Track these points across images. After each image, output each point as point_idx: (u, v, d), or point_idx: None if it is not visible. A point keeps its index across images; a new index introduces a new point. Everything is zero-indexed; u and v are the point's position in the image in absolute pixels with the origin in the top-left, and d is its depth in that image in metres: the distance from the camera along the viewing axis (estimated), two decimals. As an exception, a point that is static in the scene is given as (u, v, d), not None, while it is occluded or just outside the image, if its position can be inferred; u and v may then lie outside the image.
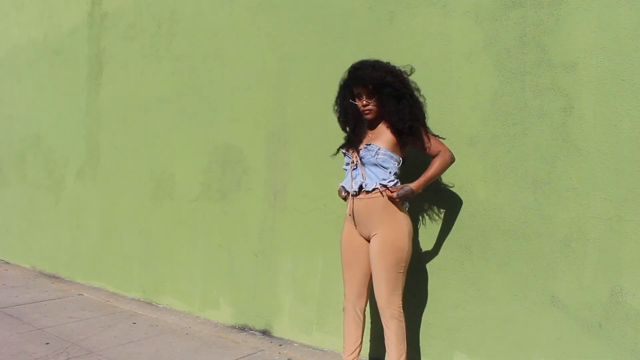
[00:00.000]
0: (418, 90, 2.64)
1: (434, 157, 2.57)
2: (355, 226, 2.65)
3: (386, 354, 2.61)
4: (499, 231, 2.71)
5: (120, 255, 4.82)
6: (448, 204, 2.88)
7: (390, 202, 2.54)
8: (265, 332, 3.71)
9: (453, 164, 2.60)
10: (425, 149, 2.57)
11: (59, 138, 5.53)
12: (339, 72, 3.29)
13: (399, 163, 2.62)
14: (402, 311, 2.58)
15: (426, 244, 2.96)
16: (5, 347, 3.29)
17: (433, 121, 2.92)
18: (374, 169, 2.57)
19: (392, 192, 2.53)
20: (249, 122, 3.81)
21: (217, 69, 4.01)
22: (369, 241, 2.62)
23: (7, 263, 6.25)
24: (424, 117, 2.64)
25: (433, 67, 2.93)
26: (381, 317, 2.57)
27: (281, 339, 3.60)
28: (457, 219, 2.85)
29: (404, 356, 2.55)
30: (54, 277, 5.49)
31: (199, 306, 4.11)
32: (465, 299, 2.82)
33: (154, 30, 4.50)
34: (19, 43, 6.17)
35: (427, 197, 2.94)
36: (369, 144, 2.59)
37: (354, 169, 2.63)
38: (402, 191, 2.51)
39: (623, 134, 2.38)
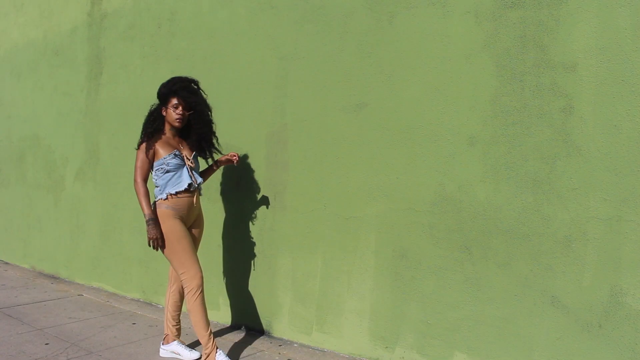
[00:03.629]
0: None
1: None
2: (182, 217, 3.07)
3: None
4: (499, 231, 2.71)
5: (120, 255, 4.81)
6: (447, 204, 2.88)
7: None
8: (264, 333, 3.71)
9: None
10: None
11: (59, 138, 5.53)
12: (339, 72, 3.31)
13: None
14: None
15: (426, 245, 2.97)
16: (4, 347, 3.28)
17: (433, 121, 2.93)
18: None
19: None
20: (249, 122, 3.80)
21: (216, 69, 4.01)
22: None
23: (7, 263, 6.25)
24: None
25: (433, 67, 2.93)
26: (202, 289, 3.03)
27: (281, 339, 3.60)
28: (457, 219, 2.85)
29: None
30: (53, 278, 5.48)
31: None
32: (465, 299, 2.82)
33: (154, 31, 4.51)
34: (19, 43, 6.17)
35: (426, 196, 2.94)
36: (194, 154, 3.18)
37: (182, 170, 3.07)
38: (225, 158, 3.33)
39: (623, 134, 2.39)
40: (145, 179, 3.02)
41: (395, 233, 3.08)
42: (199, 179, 3.14)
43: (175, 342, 3.20)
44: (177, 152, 3.03)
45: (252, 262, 3.79)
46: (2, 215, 6.45)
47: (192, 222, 3.18)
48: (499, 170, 2.72)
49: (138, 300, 4.58)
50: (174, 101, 3.03)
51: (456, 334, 2.85)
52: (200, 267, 3.01)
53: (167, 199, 3.00)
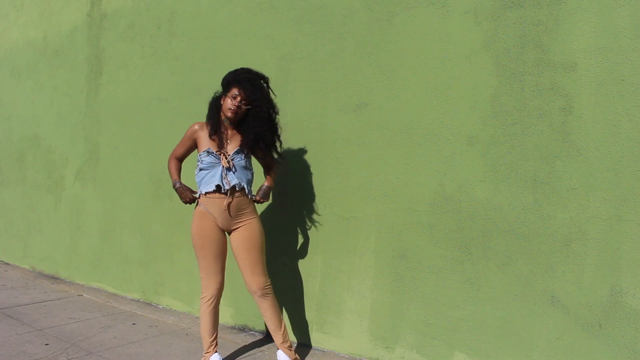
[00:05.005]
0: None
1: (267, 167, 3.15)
2: (216, 220, 2.93)
3: (271, 325, 3.00)
4: (499, 231, 2.71)
5: (120, 255, 4.82)
6: (447, 204, 2.88)
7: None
8: (265, 333, 3.70)
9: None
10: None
11: (59, 138, 5.53)
12: (339, 72, 3.31)
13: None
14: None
15: (426, 245, 2.97)
16: (4, 347, 3.28)
17: (433, 121, 2.93)
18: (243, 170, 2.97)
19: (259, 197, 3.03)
20: (248, 122, 3.80)
21: (216, 69, 4.00)
22: (225, 233, 3.00)
23: (7, 264, 6.25)
24: None
25: (433, 67, 2.93)
26: (257, 296, 2.99)
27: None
28: (457, 219, 2.85)
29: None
30: (53, 278, 5.49)
31: (199, 307, 4.10)
32: (465, 299, 2.82)
33: (154, 31, 4.51)
34: (19, 43, 6.17)
35: (426, 196, 2.94)
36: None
37: (216, 169, 2.91)
38: (262, 192, 3.05)
39: (622, 134, 2.39)
40: (178, 157, 3.04)
41: (395, 233, 3.08)
42: (234, 181, 2.88)
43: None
44: (209, 150, 2.88)
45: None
46: (2, 215, 6.45)
47: (233, 226, 2.96)
48: (499, 170, 2.72)
49: (138, 301, 4.58)
50: (234, 91, 2.88)
51: (456, 334, 2.85)
52: (220, 278, 2.99)
53: (199, 197, 2.95)
